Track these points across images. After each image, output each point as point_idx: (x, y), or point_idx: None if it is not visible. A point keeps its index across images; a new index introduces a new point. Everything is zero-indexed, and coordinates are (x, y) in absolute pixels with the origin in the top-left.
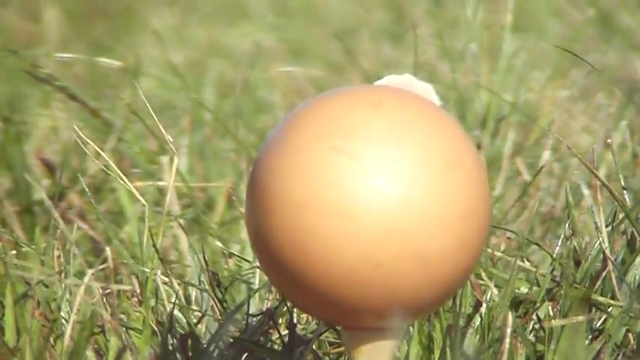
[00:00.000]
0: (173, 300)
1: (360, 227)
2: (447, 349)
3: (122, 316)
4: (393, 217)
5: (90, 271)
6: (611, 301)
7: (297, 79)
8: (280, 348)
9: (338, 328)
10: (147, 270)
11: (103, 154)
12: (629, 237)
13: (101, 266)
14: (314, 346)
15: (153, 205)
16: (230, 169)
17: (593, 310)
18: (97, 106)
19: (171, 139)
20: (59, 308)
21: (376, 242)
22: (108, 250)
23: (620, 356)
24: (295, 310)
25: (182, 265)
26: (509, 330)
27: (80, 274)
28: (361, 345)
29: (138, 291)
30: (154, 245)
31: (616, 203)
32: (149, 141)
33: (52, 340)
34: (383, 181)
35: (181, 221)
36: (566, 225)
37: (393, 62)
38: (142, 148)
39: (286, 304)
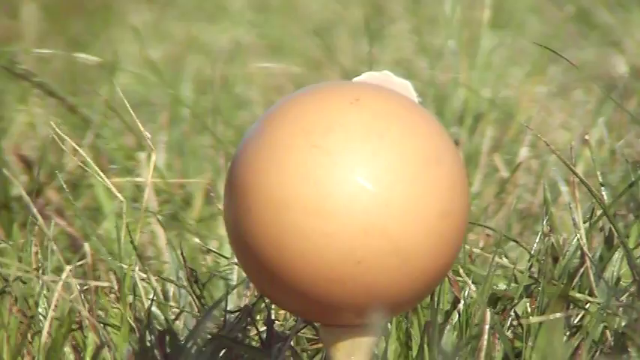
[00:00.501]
0: (151, 296)
1: (339, 224)
2: (425, 346)
3: (100, 312)
4: (372, 215)
5: (68, 268)
6: (589, 298)
7: (275, 75)
8: (258, 345)
9: (316, 324)
10: (125, 266)
11: (80, 150)
12: (606, 234)
13: (79, 262)
14: (292, 343)
15: (131, 201)
16: (208, 165)
17: (571, 307)
18: (74, 102)
19: (149, 135)
20: (37, 305)
21: (355, 239)
22: (86, 247)
23: (598, 353)
24: (273, 306)
25: (160, 262)
26: (487, 327)
27: (58, 271)
28: (339, 341)
29: (116, 287)
30: (132, 242)
31: (594, 200)
32: (127, 137)
33: (29, 336)
34: (362, 178)
35: (159, 217)
36: (544, 221)
37: (371, 59)
38: (119, 144)
39: (264, 301)
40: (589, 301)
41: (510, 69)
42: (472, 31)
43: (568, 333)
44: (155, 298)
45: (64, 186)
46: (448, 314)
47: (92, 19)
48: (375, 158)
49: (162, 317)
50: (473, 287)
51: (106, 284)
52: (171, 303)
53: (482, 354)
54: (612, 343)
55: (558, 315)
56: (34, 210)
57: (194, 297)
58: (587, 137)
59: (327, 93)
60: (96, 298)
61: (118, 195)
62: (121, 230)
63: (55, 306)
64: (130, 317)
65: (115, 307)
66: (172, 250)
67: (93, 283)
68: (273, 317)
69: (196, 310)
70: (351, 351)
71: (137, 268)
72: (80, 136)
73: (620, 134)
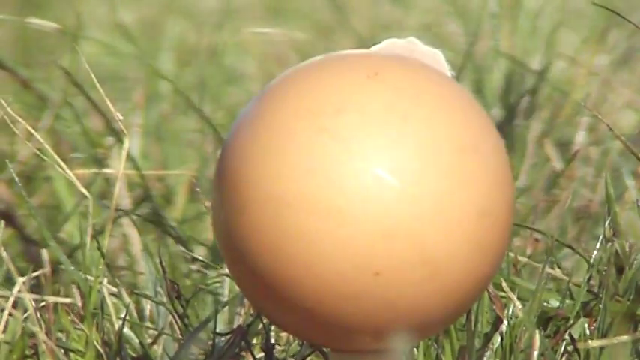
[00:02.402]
0: (123, 315)
1: (354, 228)
2: None
3: (60, 334)
4: (394, 215)
5: (21, 280)
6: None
7: (275, 43)
8: None
9: (325, 350)
10: (91, 278)
11: (36, 134)
12: None
13: (34, 274)
14: None
15: (98, 197)
16: (193, 153)
17: (639, 328)
18: (28, 75)
19: (121, 117)
20: None
21: (374, 246)
22: (43, 254)
23: None
24: (273, 327)
25: (134, 272)
26: (535, 352)
27: (8, 284)
28: None
29: (79, 304)
30: (100, 248)
31: None
32: (93, 119)
33: None
34: (381, 170)
35: (133, 218)
36: (606, 223)
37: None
38: (84, 127)
39: (262, 321)
40: None
41: (563, 35)
42: None
43: (636, 359)
44: (128, 317)
45: (16, 179)
46: (488, 337)
47: None
48: (397, 146)
49: (137, 341)
50: (518, 304)
51: (67, 300)
52: (148, 323)
53: None
54: None
55: (624, 338)
56: None
57: (175, 316)
58: None
59: (338, 65)
60: (55, 317)
61: (83, 190)
62: (86, 233)
63: (5, 327)
64: (97, 341)
65: (78, 329)
66: (149, 257)
67: (51, 299)
68: (272, 341)
69: (178, 332)
70: None
71: (106, 281)
72: (36, 117)
73: None
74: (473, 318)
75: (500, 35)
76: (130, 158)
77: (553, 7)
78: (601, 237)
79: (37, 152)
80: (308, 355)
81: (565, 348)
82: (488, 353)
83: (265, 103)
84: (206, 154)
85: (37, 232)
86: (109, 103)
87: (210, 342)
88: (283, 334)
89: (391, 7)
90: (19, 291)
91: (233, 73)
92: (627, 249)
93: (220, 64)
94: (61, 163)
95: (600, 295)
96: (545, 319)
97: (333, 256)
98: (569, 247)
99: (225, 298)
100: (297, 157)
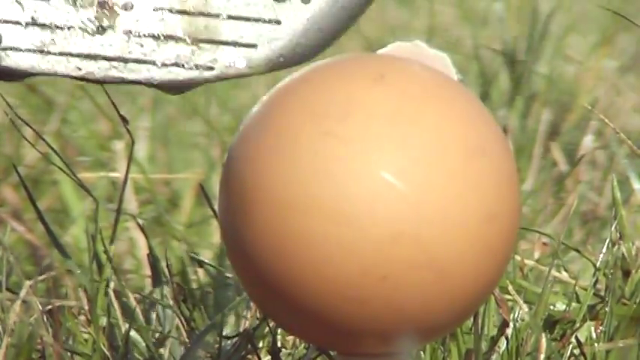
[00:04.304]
0: (129, 319)
1: (361, 231)
2: None
3: (67, 338)
4: (401, 219)
5: (28, 283)
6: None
7: None
8: None
9: (332, 353)
10: (97, 281)
11: (43, 138)
12: None
13: (41, 277)
14: None
15: (105, 201)
16: (200, 157)
17: None
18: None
19: (128, 120)
20: None
21: (380, 250)
22: (50, 257)
23: None
24: (279, 330)
25: (140, 276)
26: (542, 356)
27: (15, 287)
28: None
29: (86, 307)
30: (106, 251)
31: None
32: (100, 123)
33: None
34: (388, 173)
35: (140, 221)
36: (613, 227)
37: (399, 26)
38: (90, 131)
39: (268, 324)
40: None
41: (571, 38)
42: None
43: None
44: (134, 320)
45: (23, 182)
46: (494, 341)
47: None
48: (404, 149)
49: (143, 344)
50: (525, 308)
51: (73, 303)
52: (154, 326)
53: None
54: None
55: (630, 341)
56: None
57: (182, 319)
58: None
59: (344, 68)
60: (62, 320)
61: (90, 194)
62: (93, 237)
63: (12, 330)
64: (104, 344)
65: (85, 332)
66: (156, 261)
67: (58, 302)
68: (279, 344)
69: (185, 335)
70: None
71: (112, 284)
72: (43, 121)
73: None
74: (479, 321)
75: (507, 39)
76: (136, 162)
77: (562, 11)
78: (607, 240)
79: (43, 156)
80: (314, 359)
81: (571, 351)
82: (494, 356)
83: (271, 107)
84: (212, 158)
85: (43, 236)
86: (115, 106)
87: (216, 345)
88: (290, 338)
89: (398, 10)
90: (26, 294)
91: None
92: (634, 252)
93: None
94: (68, 167)
95: (607, 299)
96: (551, 323)
97: (339, 260)
98: (576, 250)
99: (232, 302)
100: (303, 161)
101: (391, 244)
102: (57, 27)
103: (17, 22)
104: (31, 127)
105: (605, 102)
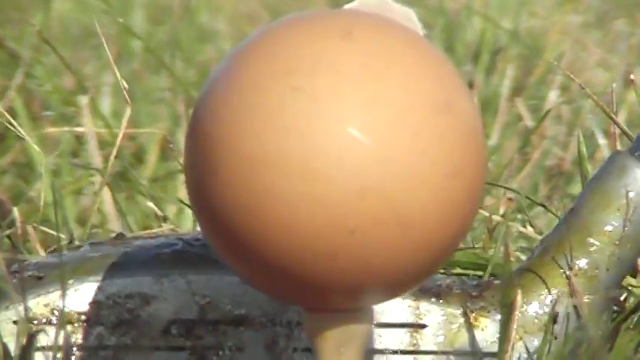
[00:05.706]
0: None
1: (328, 187)
2: None
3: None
4: (368, 174)
5: None
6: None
7: (247, 1)
8: None
9: (299, 309)
10: (62, 237)
11: (7, 92)
12: None
13: (7, 232)
14: None
15: (69, 155)
16: (165, 112)
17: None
18: (0, 33)
19: (92, 75)
20: None
21: (348, 205)
22: (15, 212)
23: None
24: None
25: (105, 230)
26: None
27: None
28: (327, 330)
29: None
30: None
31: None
32: (64, 77)
33: None
34: (355, 129)
35: (105, 176)
36: (579, 182)
37: None
38: (55, 85)
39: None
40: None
41: None
42: None
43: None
44: None
45: None
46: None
47: None
48: (371, 105)
49: None
50: None
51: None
52: None
53: None
54: None
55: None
56: None
57: None
58: (632, 77)
59: (311, 24)
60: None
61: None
62: (58, 192)
63: None
64: None
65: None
66: (121, 216)
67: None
68: None
69: None
70: (341, 342)
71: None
72: (7, 75)
73: None
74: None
75: None
76: (100, 116)
77: None
78: (573, 195)
79: (6, 114)
80: None
81: None
82: None
83: (238, 62)
84: (178, 112)
85: (8, 190)
86: (80, 60)
87: None
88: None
89: None
90: None
91: (205, 31)
92: None
93: (192, 21)
94: (31, 122)
95: None
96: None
97: (307, 215)
98: (542, 205)
99: None
100: (271, 117)
101: (358, 198)
102: None
103: None
104: None
105: (570, 57)
